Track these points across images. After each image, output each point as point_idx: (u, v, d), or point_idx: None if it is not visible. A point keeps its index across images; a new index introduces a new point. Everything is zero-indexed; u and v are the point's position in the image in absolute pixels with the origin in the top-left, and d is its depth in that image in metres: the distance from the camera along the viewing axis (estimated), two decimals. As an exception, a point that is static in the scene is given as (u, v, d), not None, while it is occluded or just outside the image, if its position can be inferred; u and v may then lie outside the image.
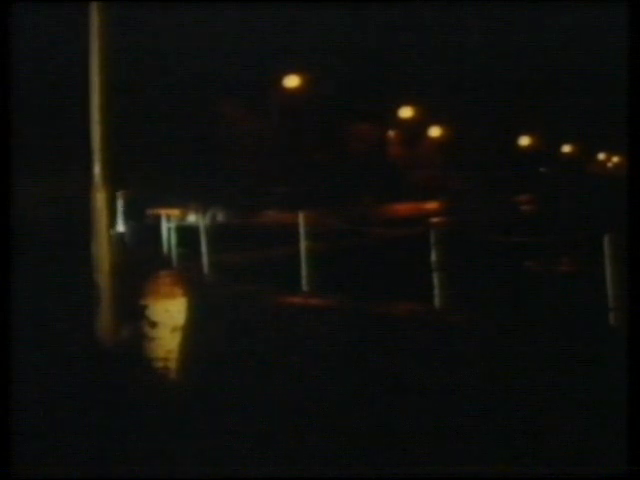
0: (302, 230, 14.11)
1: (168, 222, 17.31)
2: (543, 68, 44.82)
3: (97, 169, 7.63)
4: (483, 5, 33.75)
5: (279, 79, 33.17)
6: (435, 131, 44.04)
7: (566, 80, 46.80)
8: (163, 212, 18.37)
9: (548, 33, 40.67)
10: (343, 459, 4.60)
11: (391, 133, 43.30)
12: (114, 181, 7.64)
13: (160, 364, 6.91)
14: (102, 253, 7.47)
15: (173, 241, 16.60)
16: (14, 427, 4.68)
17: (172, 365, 6.95)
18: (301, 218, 14.30)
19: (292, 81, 33.17)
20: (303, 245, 13.97)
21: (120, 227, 18.69)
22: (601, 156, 65.91)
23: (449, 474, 4.38)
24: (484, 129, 45.01)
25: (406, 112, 40.75)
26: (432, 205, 29.89)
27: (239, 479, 4.44)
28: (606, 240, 8.29)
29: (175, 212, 19.91)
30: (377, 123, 40.48)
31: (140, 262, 13.71)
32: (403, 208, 27.91)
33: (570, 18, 34.99)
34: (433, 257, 9.81)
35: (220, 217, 22.66)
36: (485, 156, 44.93)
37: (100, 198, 7.59)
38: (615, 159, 68.72)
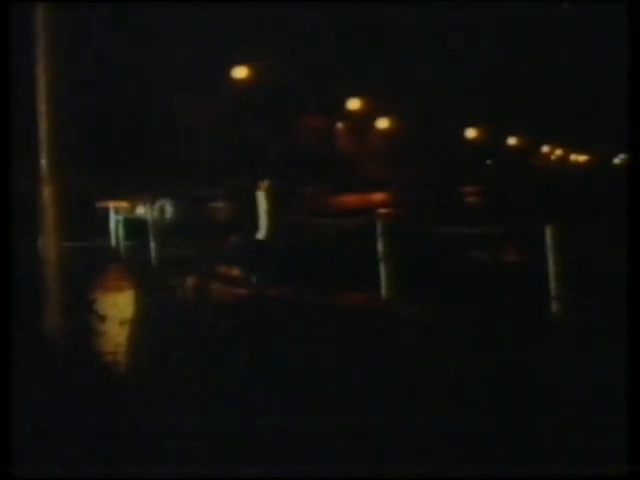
0: (248, 222, 14.15)
1: (116, 214, 17.20)
2: (490, 61, 45.27)
3: (44, 162, 7.60)
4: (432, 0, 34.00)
5: (229, 70, 33.05)
6: (383, 123, 44.26)
7: (512, 73, 47.31)
8: (111, 204, 18.23)
9: (498, 27, 41.10)
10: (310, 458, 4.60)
11: (339, 125, 43.40)
12: (62, 174, 7.61)
13: (109, 358, 6.93)
14: (49, 247, 7.44)
15: (121, 234, 16.51)
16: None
17: (121, 359, 6.97)
18: (247, 209, 14.34)
19: (241, 72, 33.07)
20: (249, 236, 14.01)
21: (262, 233, 14.05)
22: (545, 149, 66.81)
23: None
24: (431, 121, 45.34)
25: (354, 104, 40.89)
26: (379, 196, 30.04)
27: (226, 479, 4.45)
28: (547, 231, 8.48)
29: (123, 204, 19.76)
30: (326, 114, 40.54)
31: (88, 255, 13.61)
32: (350, 199, 28.02)
33: (521, 13, 35.38)
34: (379, 248, 9.93)
35: (169, 209, 22.53)
36: (432, 148, 45.25)
37: (47, 192, 7.56)
38: (558, 152, 69.71)
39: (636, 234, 4.82)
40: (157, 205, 21.79)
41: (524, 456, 4.58)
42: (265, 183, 14.62)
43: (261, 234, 13.97)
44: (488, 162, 54.17)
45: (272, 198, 14.29)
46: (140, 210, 20.90)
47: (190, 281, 11.79)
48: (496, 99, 47.27)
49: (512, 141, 57.89)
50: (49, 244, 7.47)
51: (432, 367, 6.37)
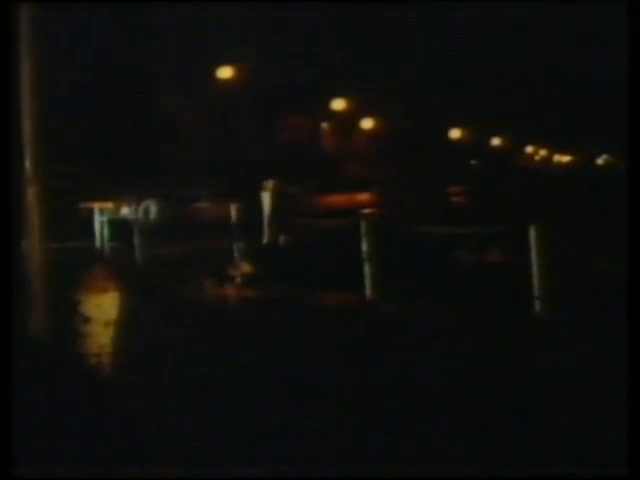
0: (233, 222, 14.13)
1: (101, 215, 17.14)
2: (474, 63, 45.41)
3: (28, 163, 7.57)
4: (418, 2, 34.08)
5: (213, 70, 33.02)
6: (367, 123, 44.33)
7: (496, 75, 47.44)
8: (96, 205, 18.16)
9: (482, 30, 41.22)
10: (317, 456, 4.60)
11: (324, 125, 43.42)
12: (47, 175, 7.60)
13: (94, 359, 6.93)
14: (34, 248, 7.43)
15: (106, 235, 16.46)
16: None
17: (107, 360, 6.97)
18: (233, 210, 14.32)
19: (226, 72, 33.04)
20: (234, 236, 13.98)
21: (266, 234, 13.33)
22: (529, 149, 67.11)
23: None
24: (416, 122, 45.44)
25: (339, 104, 40.94)
26: (364, 196, 30.11)
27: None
28: (531, 231, 8.52)
29: (108, 205, 19.68)
30: (310, 115, 40.56)
31: (73, 256, 13.58)
32: (335, 199, 28.06)
33: (500, 14, 35.50)
34: (364, 247, 9.95)
35: (153, 210, 22.48)
36: (417, 148, 45.36)
37: (31, 193, 7.54)
38: (542, 152, 70.03)
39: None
40: (142, 206, 21.74)
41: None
42: (270, 183, 14.14)
43: (265, 235, 13.48)
44: (473, 162, 54.35)
45: (277, 198, 13.86)
46: (125, 211, 20.84)
47: (176, 282, 11.79)
48: (481, 100, 47.42)
49: (496, 141, 58.09)
50: (33, 245, 7.45)
51: (420, 367, 6.40)
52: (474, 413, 5.29)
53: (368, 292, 9.83)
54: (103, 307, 9.66)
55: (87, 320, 8.54)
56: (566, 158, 75.13)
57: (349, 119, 42.41)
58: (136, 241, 14.97)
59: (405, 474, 4.43)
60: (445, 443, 4.80)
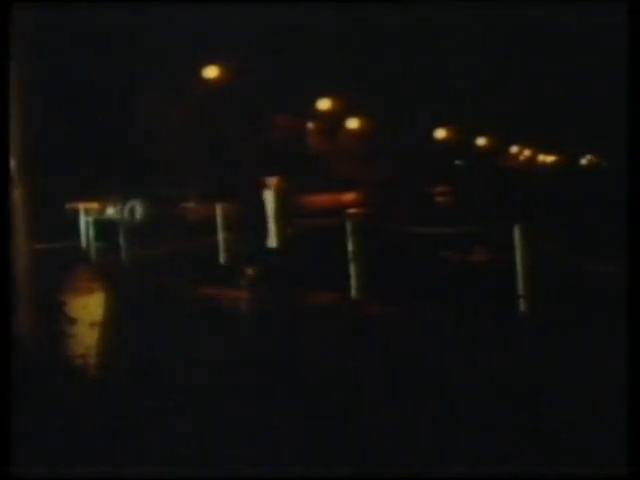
0: (220, 222, 14.15)
1: (86, 215, 17.11)
2: (459, 62, 45.54)
3: (13, 163, 7.56)
4: (406, 2, 34.16)
5: (199, 70, 32.99)
6: (353, 123, 44.37)
7: (481, 74, 47.60)
8: (81, 205, 18.12)
9: (468, 30, 41.35)
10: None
11: (310, 124, 43.45)
12: (33, 176, 7.58)
13: (80, 361, 6.93)
14: (20, 249, 7.41)
15: (91, 235, 16.43)
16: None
17: (91, 361, 6.97)
18: (219, 210, 14.34)
19: (211, 72, 33.00)
20: (221, 236, 14.01)
21: (271, 235, 13.33)
22: (514, 149, 67.33)
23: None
24: (401, 121, 45.52)
25: (324, 104, 40.97)
26: (349, 196, 30.16)
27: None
28: (516, 230, 8.57)
29: (93, 205, 19.64)
30: (296, 114, 40.58)
31: (58, 257, 13.54)
32: (321, 199, 28.08)
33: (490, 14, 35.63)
34: (349, 247, 9.98)
35: (139, 210, 22.44)
36: (402, 148, 45.43)
37: (17, 193, 7.53)
38: (527, 152, 70.28)
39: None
40: (127, 206, 21.71)
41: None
42: (273, 180, 13.77)
43: (271, 236, 13.34)
44: (458, 162, 54.47)
45: (281, 196, 13.54)
46: (110, 211, 20.80)
47: (163, 281, 11.79)
48: (467, 100, 47.55)
49: (481, 141, 58.24)
50: (19, 246, 7.44)
51: (409, 366, 6.42)
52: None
53: (353, 292, 9.86)
54: (89, 308, 9.64)
55: (73, 321, 8.52)
56: (550, 158, 75.45)
57: (334, 119, 42.45)
58: (122, 241, 14.96)
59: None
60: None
